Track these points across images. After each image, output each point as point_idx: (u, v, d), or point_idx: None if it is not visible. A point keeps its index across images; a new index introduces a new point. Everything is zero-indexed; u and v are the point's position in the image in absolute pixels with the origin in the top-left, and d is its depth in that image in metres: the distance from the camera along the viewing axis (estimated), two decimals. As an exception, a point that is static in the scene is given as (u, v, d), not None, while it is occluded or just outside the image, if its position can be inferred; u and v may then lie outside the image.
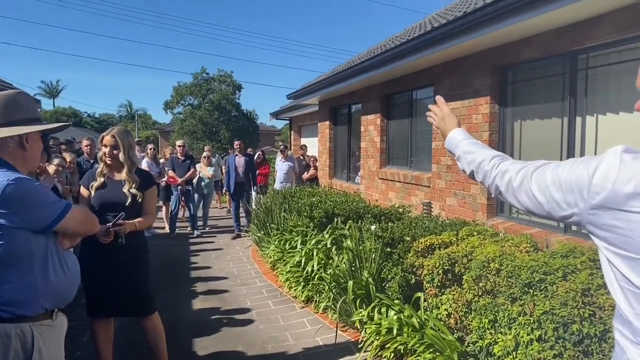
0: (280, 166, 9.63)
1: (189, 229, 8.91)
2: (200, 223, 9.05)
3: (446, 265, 3.43)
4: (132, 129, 45.83)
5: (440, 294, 3.51)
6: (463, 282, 3.31)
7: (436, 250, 3.73)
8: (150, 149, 8.66)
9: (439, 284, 3.49)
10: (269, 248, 6.09)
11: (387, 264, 4.06)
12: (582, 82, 3.94)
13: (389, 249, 4.12)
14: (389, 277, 3.98)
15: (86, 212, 1.94)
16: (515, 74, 4.71)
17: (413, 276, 3.80)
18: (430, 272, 3.53)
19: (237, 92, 31.47)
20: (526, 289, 2.75)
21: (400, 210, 5.41)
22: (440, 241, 3.80)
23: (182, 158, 8.53)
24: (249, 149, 12.63)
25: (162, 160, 9.37)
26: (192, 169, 8.47)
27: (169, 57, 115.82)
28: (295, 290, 4.94)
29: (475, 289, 3.16)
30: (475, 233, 3.96)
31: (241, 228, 8.55)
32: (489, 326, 2.90)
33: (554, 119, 4.23)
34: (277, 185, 9.36)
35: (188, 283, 5.57)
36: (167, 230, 8.75)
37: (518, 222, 4.57)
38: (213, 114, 29.83)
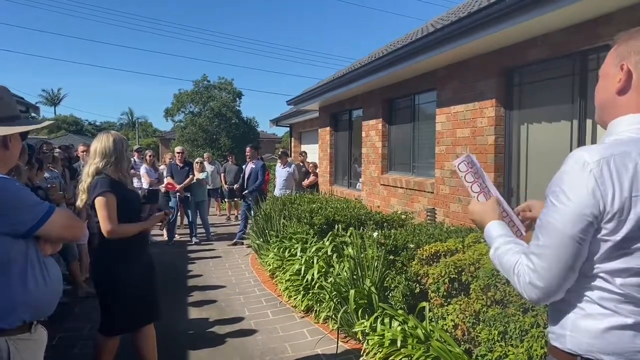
0: (280, 173, 9.46)
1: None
2: (202, 231, 8.91)
3: (452, 274, 3.27)
4: (133, 137, 45.84)
5: (446, 303, 3.35)
6: (470, 292, 3.15)
7: (441, 258, 3.58)
8: (150, 155, 8.54)
9: (444, 293, 3.33)
10: (267, 256, 5.92)
11: (390, 272, 3.90)
12: (593, 83, 3.80)
13: (392, 257, 3.97)
14: (392, 286, 3.82)
15: (71, 216, 1.79)
16: (522, 76, 4.58)
17: (417, 285, 3.64)
18: (436, 281, 3.37)
19: (237, 99, 31.42)
20: (539, 299, 2.58)
21: (403, 216, 5.26)
22: (445, 249, 3.64)
23: (181, 164, 8.40)
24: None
25: (161, 167, 9.23)
26: (190, 176, 8.34)
27: (171, 65, 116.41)
28: (295, 299, 4.77)
29: (483, 299, 3.00)
30: (482, 240, 3.80)
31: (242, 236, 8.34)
32: (499, 338, 2.74)
33: (563, 122, 4.09)
34: (277, 192, 9.20)
35: (184, 292, 5.40)
36: (165, 237, 8.58)
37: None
38: (213, 122, 29.74)
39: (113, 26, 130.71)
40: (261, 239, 6.58)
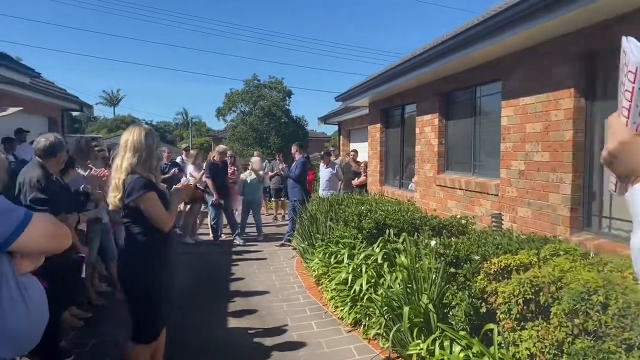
0: (323, 173, 9.14)
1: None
2: (248, 231, 8.74)
3: (528, 294, 2.75)
4: (187, 136, 47.18)
5: (519, 327, 2.83)
6: (551, 316, 2.61)
7: (513, 274, 3.05)
8: (187, 151, 8.72)
9: (517, 315, 2.81)
10: (313, 260, 5.56)
11: (450, 287, 3.41)
12: None
13: (452, 269, 3.47)
14: (453, 303, 3.32)
15: (53, 223, 1.47)
16: (607, 60, 3.90)
17: (484, 304, 3.13)
18: (507, 300, 2.86)
19: (287, 98, 31.46)
20: (651, 336, 2.03)
21: (463, 221, 4.71)
22: (518, 262, 3.10)
23: (221, 164, 8.24)
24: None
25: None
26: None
27: (223, 64, 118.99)
28: (341, 310, 4.37)
29: (568, 327, 2.47)
30: (561, 252, 3.22)
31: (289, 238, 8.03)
32: (593, 379, 2.20)
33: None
34: (321, 193, 8.88)
35: (225, 297, 5.14)
36: (211, 237, 8.46)
37: (612, 239, 3.75)
38: (263, 121, 29.95)
39: (163, 25, 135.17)
40: (306, 242, 6.23)
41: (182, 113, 61.18)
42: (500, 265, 3.10)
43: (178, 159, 10.04)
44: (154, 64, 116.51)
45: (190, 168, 8.54)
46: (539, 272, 2.88)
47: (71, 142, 4.67)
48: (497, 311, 2.96)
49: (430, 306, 3.30)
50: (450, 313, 3.36)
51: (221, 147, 8.85)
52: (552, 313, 2.61)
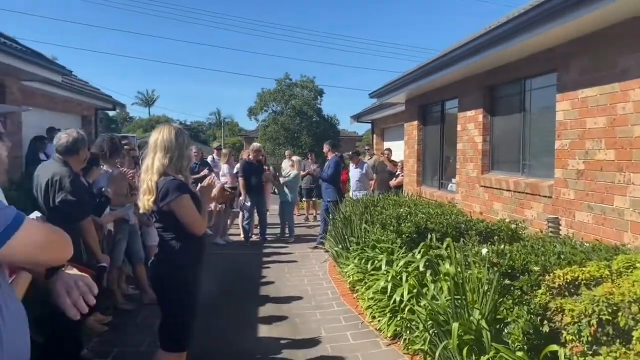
0: (352, 173, 8.84)
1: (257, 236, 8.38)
2: (271, 232, 8.55)
3: (604, 314, 2.34)
4: (220, 136, 47.69)
5: (590, 352, 2.43)
6: (633, 341, 2.22)
7: (582, 288, 2.64)
8: (220, 150, 8.68)
9: (589, 338, 2.41)
10: (347, 265, 5.24)
11: (505, 301, 3.03)
12: None
13: (507, 281, 3.09)
14: (509, 319, 2.94)
15: (49, 229, 1.21)
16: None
17: (546, 322, 2.74)
18: (577, 320, 2.46)
19: (318, 97, 31.23)
20: None
21: (513, 226, 4.30)
22: (588, 276, 2.69)
23: (256, 162, 8.04)
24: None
25: (238, 165, 8.90)
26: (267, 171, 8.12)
27: (256, 64, 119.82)
28: (379, 321, 4.04)
29: (657, 356, 2.07)
30: (638, 265, 2.79)
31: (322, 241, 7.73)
32: None
33: None
34: (352, 194, 8.59)
35: (256, 302, 4.89)
36: (242, 237, 8.27)
37: (693, 249, 3.27)
38: (295, 120, 29.83)
39: (199, 26, 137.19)
40: (340, 246, 5.91)
41: (215, 113, 62.00)
42: (567, 278, 2.70)
43: (209, 159, 9.92)
44: (189, 64, 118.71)
45: (224, 168, 8.39)
46: (616, 288, 2.48)
47: (99, 140, 4.51)
48: (563, 331, 2.57)
49: (483, 322, 2.93)
50: (505, 330, 2.98)
51: (255, 145, 8.63)
52: (634, 338, 2.22)
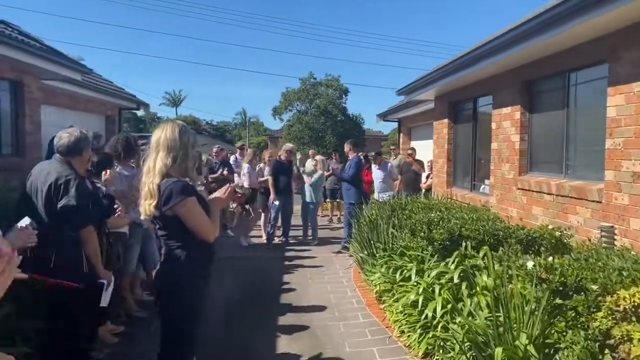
0: (376, 174, 8.57)
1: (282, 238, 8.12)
2: (294, 234, 8.31)
3: (685, 347, 1.95)
4: (245, 136, 47.89)
5: (665, 390, 2.04)
6: None
7: (653, 313, 2.25)
8: (243, 148, 8.55)
9: (664, 374, 2.03)
10: (374, 274, 4.90)
11: (557, 323, 2.64)
12: None
13: (558, 300, 2.70)
14: (562, 344, 2.56)
15: None
16: None
17: (608, 351, 2.35)
18: (649, 352, 2.08)
19: (343, 96, 30.89)
20: None
21: (557, 234, 3.88)
22: (660, 298, 2.29)
23: (287, 163, 7.96)
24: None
25: (261, 165, 8.65)
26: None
27: (281, 64, 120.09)
28: (408, 337, 3.69)
29: None
30: None
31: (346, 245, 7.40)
32: None
33: None
34: (376, 195, 8.29)
35: (275, 311, 4.61)
36: (265, 240, 8.04)
37: None
38: (319, 119, 29.61)
39: (218, 24, 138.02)
40: (365, 252, 5.57)
41: (240, 113, 62.37)
42: (635, 301, 2.30)
43: (231, 159, 9.72)
44: (216, 64, 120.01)
45: (245, 167, 8.17)
46: (697, 315, 2.08)
47: (113, 140, 4.32)
48: (630, 364, 2.18)
49: (532, 349, 2.55)
50: (557, 357, 2.60)
51: (288, 145, 8.56)
52: None
